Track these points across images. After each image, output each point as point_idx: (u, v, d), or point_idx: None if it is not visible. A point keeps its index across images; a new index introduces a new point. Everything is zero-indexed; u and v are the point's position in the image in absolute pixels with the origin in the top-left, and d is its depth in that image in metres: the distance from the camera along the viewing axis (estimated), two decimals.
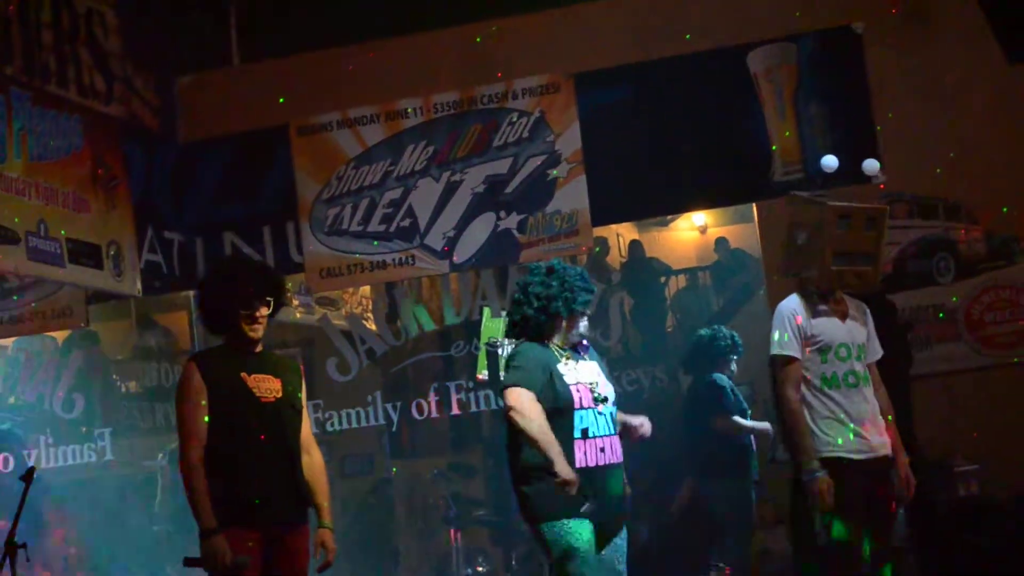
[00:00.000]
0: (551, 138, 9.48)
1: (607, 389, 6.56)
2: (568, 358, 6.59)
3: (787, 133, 9.30)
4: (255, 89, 10.25)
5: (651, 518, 10.48)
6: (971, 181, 9.21)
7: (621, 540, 6.56)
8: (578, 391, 6.49)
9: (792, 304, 6.80)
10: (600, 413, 6.50)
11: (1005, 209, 9.17)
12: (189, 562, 6.12)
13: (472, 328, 10.22)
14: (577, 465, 6.37)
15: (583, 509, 6.31)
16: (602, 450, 6.48)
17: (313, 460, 6.42)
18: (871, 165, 8.69)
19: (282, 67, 10.29)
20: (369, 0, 10.21)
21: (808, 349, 6.70)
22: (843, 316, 6.81)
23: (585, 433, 6.47)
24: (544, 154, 9.49)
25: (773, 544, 10.02)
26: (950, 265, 9.29)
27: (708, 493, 9.55)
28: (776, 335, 6.76)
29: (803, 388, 6.69)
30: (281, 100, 10.01)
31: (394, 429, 10.79)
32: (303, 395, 6.46)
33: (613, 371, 9.56)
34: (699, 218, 13.46)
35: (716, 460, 9.35)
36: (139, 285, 9.62)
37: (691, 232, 14.19)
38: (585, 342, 6.74)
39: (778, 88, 9.29)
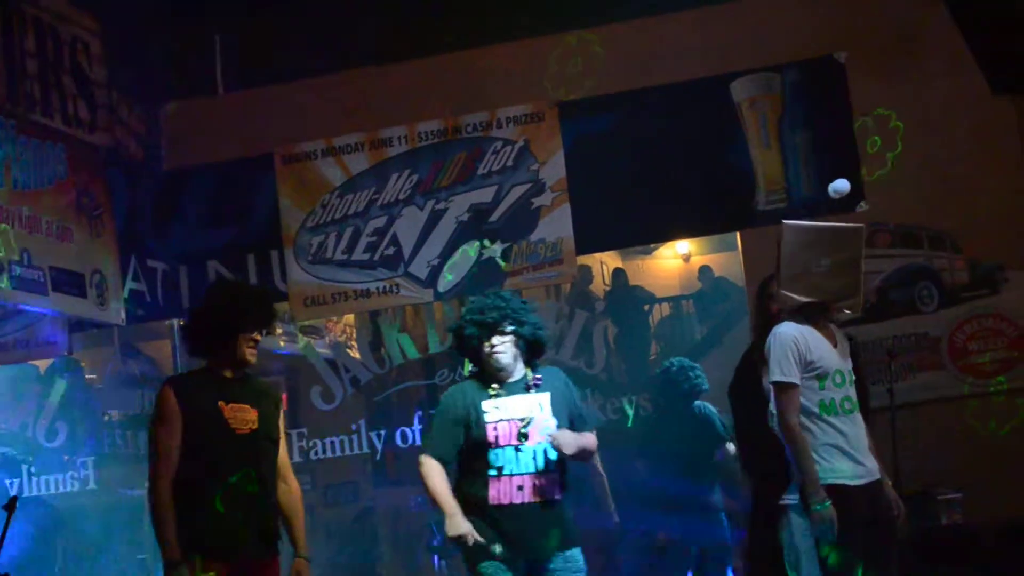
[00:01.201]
0: (535, 167, 9.48)
1: (545, 425, 6.58)
2: (495, 394, 6.65)
3: (771, 162, 9.32)
4: (240, 118, 10.28)
5: (638, 550, 10.51)
6: (955, 210, 9.27)
7: (561, 570, 6.58)
8: (495, 429, 6.55)
9: (791, 330, 6.72)
10: (520, 450, 6.54)
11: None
12: None
13: (457, 356, 10.21)
14: (490, 502, 6.49)
15: (495, 553, 6.40)
16: (520, 488, 6.53)
17: (290, 488, 6.39)
18: (840, 186, 8.71)
19: (267, 96, 10.32)
20: (354, 29, 10.23)
21: (805, 376, 6.64)
22: (833, 343, 6.82)
23: (500, 471, 6.54)
24: (528, 182, 9.49)
25: None
26: (933, 294, 9.32)
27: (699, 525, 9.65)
28: (775, 362, 6.67)
29: (802, 416, 6.62)
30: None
31: (378, 457, 10.78)
32: (281, 424, 6.41)
33: (596, 398, 9.61)
34: (683, 246, 13.49)
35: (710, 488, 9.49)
36: (123, 314, 9.60)
37: (675, 260, 14.22)
38: (537, 375, 6.77)
39: (762, 117, 9.30)
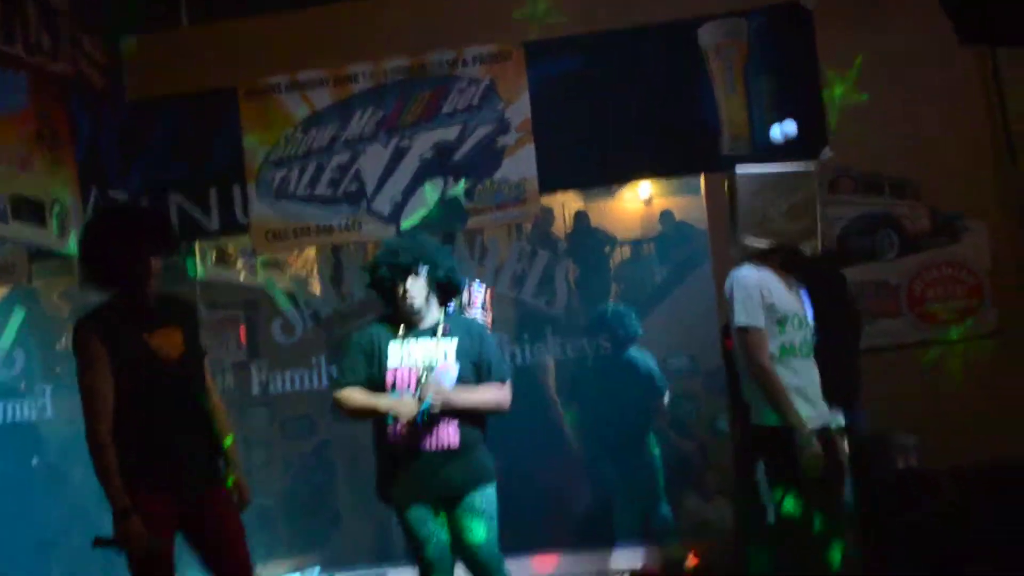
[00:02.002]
0: (501, 107, 9.47)
1: (445, 372, 6.67)
2: (404, 336, 6.71)
3: (735, 107, 9.34)
4: (203, 50, 10.17)
5: (590, 487, 10.66)
6: (917, 159, 9.29)
7: (465, 510, 6.70)
8: (394, 375, 6.67)
9: (751, 274, 6.87)
10: (418, 396, 6.62)
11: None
12: (100, 542, 5.93)
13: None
14: (390, 443, 6.69)
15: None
16: (413, 434, 6.66)
17: (213, 402, 6.31)
18: (787, 128, 8.74)
19: (231, 29, 10.22)
20: None
21: (767, 320, 6.78)
22: (788, 286, 6.92)
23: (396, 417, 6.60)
24: (493, 122, 9.49)
25: (712, 514, 10.15)
26: (894, 241, 9.37)
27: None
28: (740, 306, 6.80)
29: None
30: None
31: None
32: (200, 340, 6.34)
33: (555, 338, 9.66)
34: (645, 190, 13.46)
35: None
36: None
37: (636, 203, 14.19)
38: (446, 322, 6.82)
39: (728, 62, 9.31)
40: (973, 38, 8.28)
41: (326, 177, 9.70)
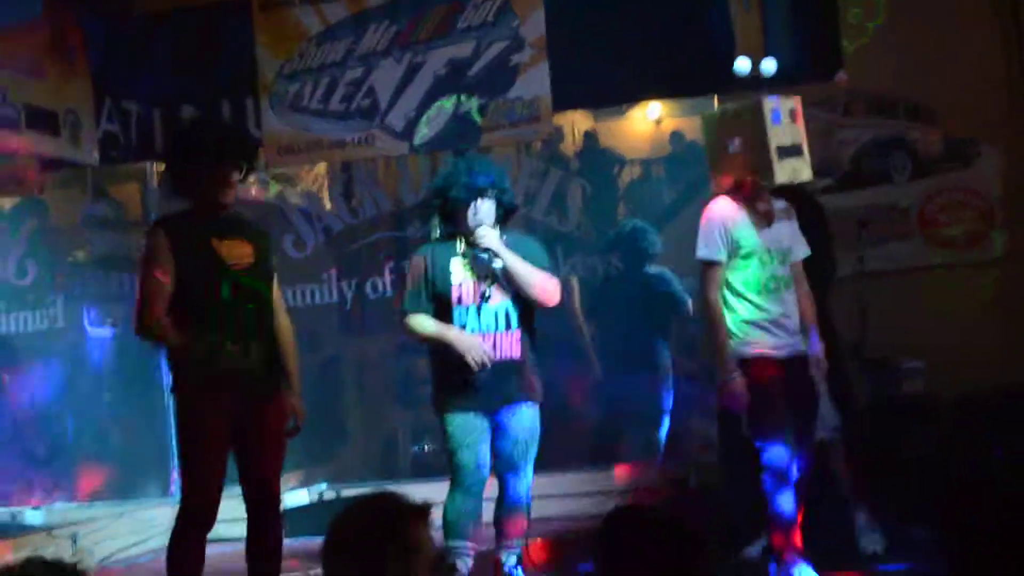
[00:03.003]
0: (515, 23, 9.44)
1: (507, 287, 6.76)
2: (464, 255, 6.82)
3: (750, 27, 9.30)
4: None
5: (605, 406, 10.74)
6: (932, 83, 9.29)
7: (509, 423, 6.83)
8: (459, 288, 6.80)
9: (718, 209, 7.00)
10: (481, 309, 6.79)
11: None
12: None
13: (428, 211, 10.22)
14: (455, 359, 6.73)
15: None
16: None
17: (281, 324, 6.39)
18: (742, 65, 8.74)
19: None
20: None
21: (732, 254, 6.89)
22: (768, 220, 7.02)
23: (463, 328, 6.76)
24: (508, 39, 9.46)
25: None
26: (906, 164, 9.38)
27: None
28: (701, 239, 6.96)
29: (726, 291, 6.92)
30: None
31: (347, 307, 10.83)
32: (274, 259, 6.45)
33: (568, 257, 9.67)
34: (654, 110, 13.41)
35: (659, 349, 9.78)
36: (96, 154, 9.56)
37: (646, 123, 14.12)
38: (504, 237, 6.88)
39: None
40: None
41: (339, 92, 9.68)
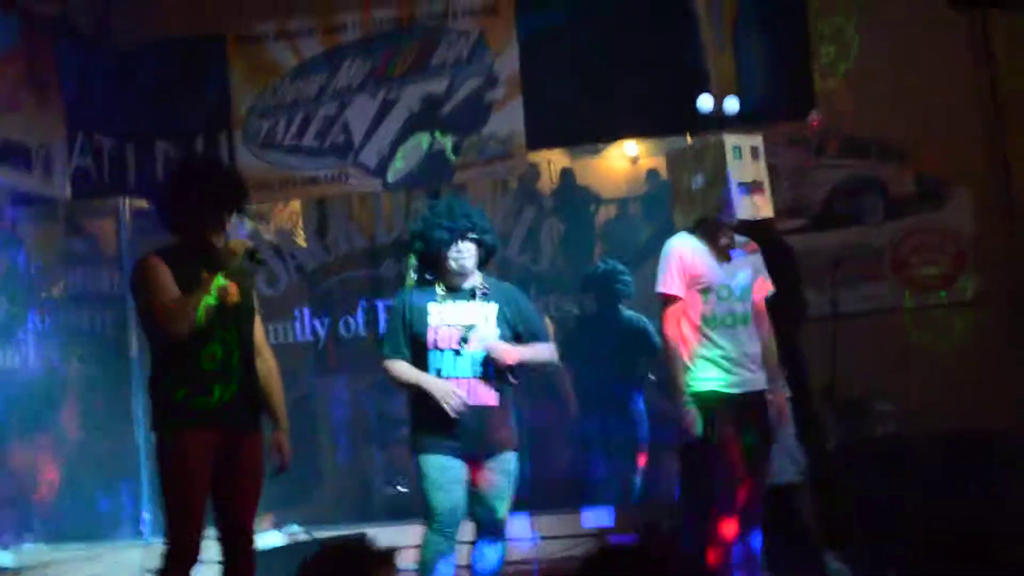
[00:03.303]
0: (489, 60, 9.44)
1: (484, 334, 6.75)
2: (444, 298, 6.82)
3: (724, 66, 9.32)
4: None
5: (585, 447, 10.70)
6: (904, 123, 9.30)
7: (494, 473, 6.81)
8: (435, 332, 6.77)
9: (679, 244, 7.02)
10: (459, 354, 6.73)
11: None
12: None
13: (402, 249, 10.20)
14: (431, 403, 6.70)
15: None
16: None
17: (267, 363, 6.40)
18: (705, 102, 8.76)
19: None
20: None
21: (690, 289, 6.92)
22: (728, 256, 7.04)
23: (439, 373, 6.75)
24: (482, 76, 9.46)
25: None
26: (878, 205, 9.38)
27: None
28: (660, 273, 6.99)
29: (684, 325, 6.94)
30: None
31: (320, 346, 10.77)
32: (255, 295, 6.45)
33: (541, 296, 9.64)
34: (631, 148, 13.41)
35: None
36: (69, 189, 9.51)
37: (622, 162, 14.12)
38: (485, 284, 6.90)
39: (717, 20, 9.30)
40: (963, 1, 8.30)
41: (313, 128, 9.69)
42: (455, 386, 6.70)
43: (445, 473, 6.74)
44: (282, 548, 9.28)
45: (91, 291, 11.14)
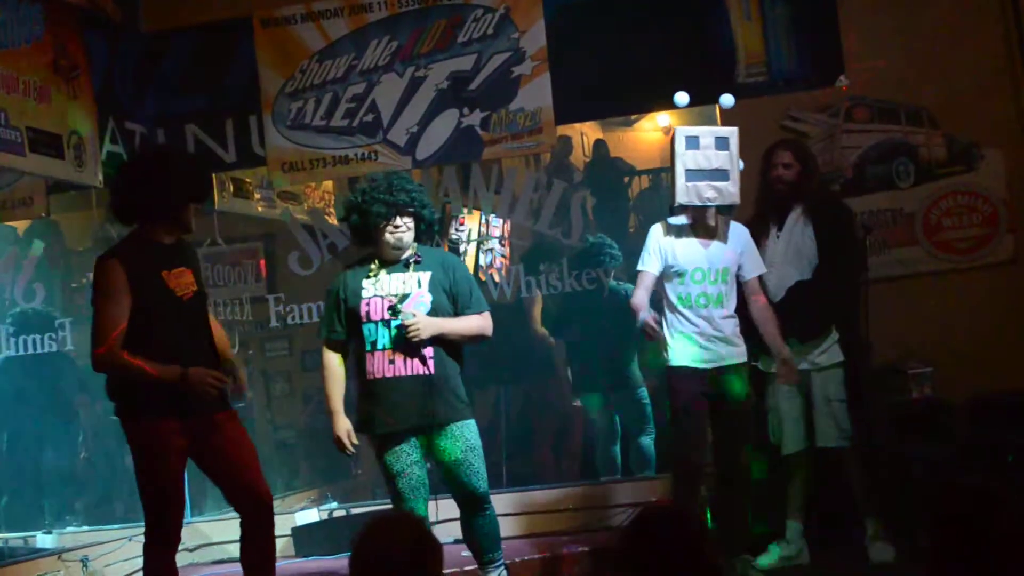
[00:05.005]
0: (516, 35, 9.43)
1: (420, 301, 6.81)
2: (377, 272, 6.88)
3: (751, 35, 9.28)
4: None
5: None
6: (934, 86, 9.27)
7: (446, 445, 6.82)
8: (367, 305, 6.84)
9: (659, 225, 7.76)
10: (389, 325, 6.76)
11: None
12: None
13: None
14: (367, 377, 6.82)
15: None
16: (391, 362, 6.78)
17: (216, 334, 6.61)
18: (727, 100, 8.82)
19: None
20: None
21: (669, 270, 7.61)
22: (708, 240, 7.62)
23: (374, 345, 6.80)
24: (508, 51, 9.45)
25: None
26: (910, 170, 9.34)
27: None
28: (643, 251, 7.73)
29: (664, 305, 7.63)
30: None
31: None
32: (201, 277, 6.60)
33: (572, 269, 9.63)
34: (663, 119, 13.41)
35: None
36: (100, 175, 9.55)
37: (655, 133, 14.16)
38: (418, 253, 6.97)
39: None
40: None
41: (342, 108, 9.69)
42: (349, 430, 6.85)
43: (399, 458, 6.78)
44: (321, 522, 9.37)
45: None
